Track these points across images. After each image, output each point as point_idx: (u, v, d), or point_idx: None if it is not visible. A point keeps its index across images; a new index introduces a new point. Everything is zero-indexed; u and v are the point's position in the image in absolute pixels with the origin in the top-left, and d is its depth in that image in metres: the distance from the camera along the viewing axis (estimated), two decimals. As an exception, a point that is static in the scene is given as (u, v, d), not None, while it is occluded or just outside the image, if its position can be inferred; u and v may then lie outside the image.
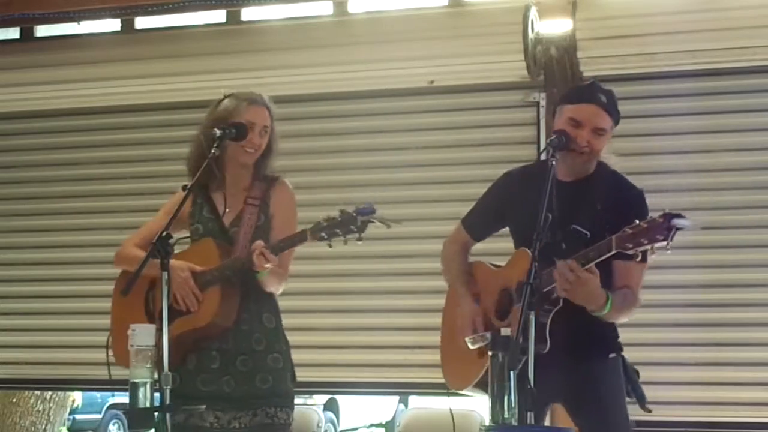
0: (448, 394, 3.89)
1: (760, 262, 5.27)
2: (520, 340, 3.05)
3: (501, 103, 5.70)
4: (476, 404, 5.69)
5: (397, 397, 13.42)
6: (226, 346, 3.69)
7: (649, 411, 3.55)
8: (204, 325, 3.64)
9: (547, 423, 3.67)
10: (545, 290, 3.31)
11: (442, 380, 3.86)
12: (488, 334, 3.24)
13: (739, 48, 5.32)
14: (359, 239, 3.43)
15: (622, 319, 3.47)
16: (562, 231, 3.40)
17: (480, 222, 3.82)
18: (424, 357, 5.62)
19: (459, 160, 5.72)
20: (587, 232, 3.36)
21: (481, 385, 3.53)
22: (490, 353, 3.03)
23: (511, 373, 2.95)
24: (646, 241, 3.05)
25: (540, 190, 3.27)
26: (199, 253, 3.72)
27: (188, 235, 3.84)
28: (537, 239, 3.17)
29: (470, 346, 3.36)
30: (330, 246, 3.49)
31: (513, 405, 2.96)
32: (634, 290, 3.45)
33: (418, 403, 9.38)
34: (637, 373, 3.60)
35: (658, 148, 5.36)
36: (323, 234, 3.46)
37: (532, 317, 3.05)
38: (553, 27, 5.48)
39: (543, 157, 3.54)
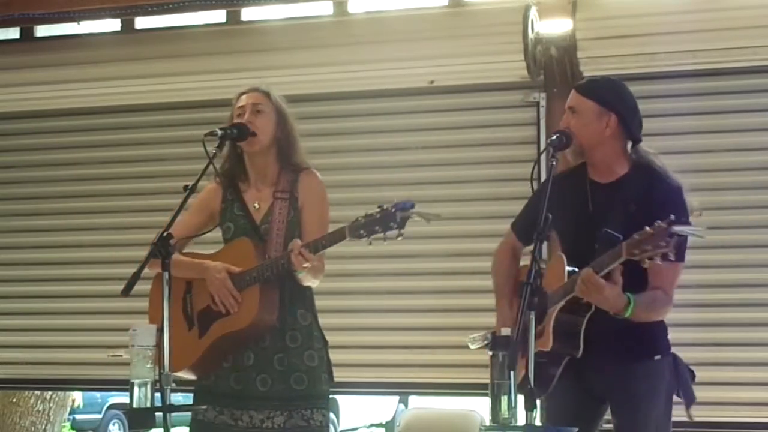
0: (448, 394, 3.88)
1: (760, 262, 5.27)
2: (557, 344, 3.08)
3: (501, 103, 5.69)
4: (476, 404, 5.70)
5: (397, 397, 13.42)
6: (263, 345, 3.66)
7: (690, 418, 3.54)
8: (246, 326, 3.60)
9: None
10: (569, 296, 3.33)
11: (442, 380, 3.86)
12: (488, 334, 3.24)
13: (739, 48, 5.31)
14: (399, 236, 3.33)
15: (653, 319, 3.47)
16: (595, 234, 3.40)
17: (525, 226, 3.77)
18: (424, 357, 5.62)
19: (459, 160, 5.71)
20: (620, 236, 3.33)
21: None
22: (490, 353, 3.03)
23: (512, 372, 2.95)
24: (650, 248, 3.05)
25: (576, 192, 3.31)
26: (235, 253, 3.68)
27: (199, 233, 3.80)
28: (537, 239, 3.17)
29: (470, 347, 3.37)
30: (370, 244, 3.38)
31: (513, 405, 2.96)
32: (666, 290, 3.44)
33: (418, 403, 9.38)
34: (692, 373, 3.58)
35: (659, 148, 5.25)
36: (362, 231, 3.39)
37: (532, 317, 3.05)
38: (553, 27, 5.47)
39: (543, 157, 3.55)
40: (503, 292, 3.73)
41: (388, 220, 3.33)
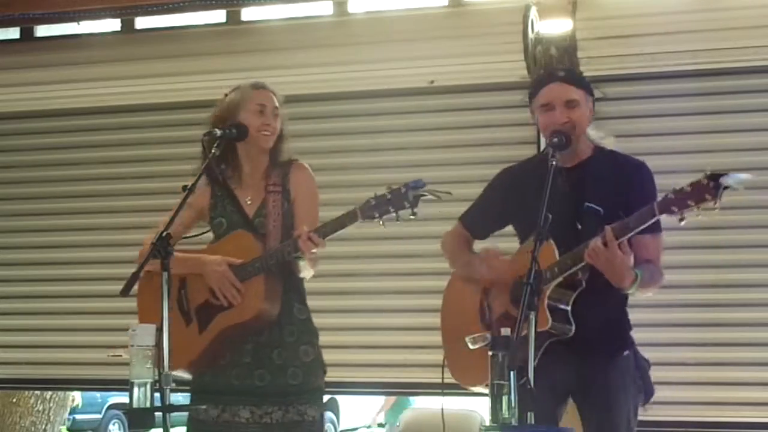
0: (448, 394, 3.87)
1: (760, 262, 5.27)
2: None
3: (501, 103, 5.70)
4: (476, 404, 5.70)
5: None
6: (261, 339, 3.65)
7: (645, 410, 3.55)
8: (250, 318, 3.59)
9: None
10: (568, 273, 3.31)
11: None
12: (488, 335, 3.23)
13: (739, 48, 5.31)
14: (413, 214, 3.36)
15: (650, 292, 3.45)
16: (576, 212, 3.40)
17: (481, 219, 3.80)
18: (424, 357, 5.61)
19: (459, 160, 5.71)
20: (600, 208, 3.37)
21: None
22: (490, 353, 3.02)
23: (512, 372, 2.94)
24: (692, 203, 3.06)
25: (540, 185, 3.26)
26: (234, 246, 3.66)
27: (198, 232, 3.81)
28: (537, 239, 3.15)
29: (470, 346, 3.35)
30: (382, 224, 3.40)
31: (513, 405, 2.95)
32: (657, 263, 3.45)
33: (418, 403, 9.39)
34: (648, 363, 3.57)
35: (658, 148, 5.35)
36: (375, 212, 3.40)
37: (533, 317, 3.04)
38: (553, 27, 5.48)
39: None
40: (466, 256, 3.73)
41: (401, 199, 3.36)
